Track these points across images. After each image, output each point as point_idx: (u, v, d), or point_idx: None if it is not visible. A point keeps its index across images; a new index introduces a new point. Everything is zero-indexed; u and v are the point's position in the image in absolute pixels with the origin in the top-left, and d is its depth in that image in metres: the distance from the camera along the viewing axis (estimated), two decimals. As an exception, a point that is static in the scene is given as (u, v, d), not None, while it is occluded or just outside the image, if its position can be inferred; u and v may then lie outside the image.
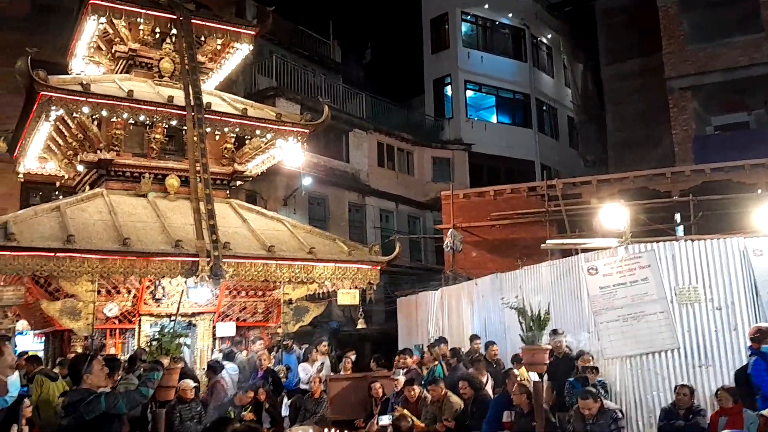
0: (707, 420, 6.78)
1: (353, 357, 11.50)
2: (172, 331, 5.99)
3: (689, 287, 7.97)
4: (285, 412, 10.26)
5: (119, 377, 6.53)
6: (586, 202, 15.56)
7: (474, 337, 10.09)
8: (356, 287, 11.17)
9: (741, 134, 18.54)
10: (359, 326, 12.17)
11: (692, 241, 8.28)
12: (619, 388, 8.26)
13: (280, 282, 10.69)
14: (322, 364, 11.13)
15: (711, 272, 7.90)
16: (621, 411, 7.07)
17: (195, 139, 10.37)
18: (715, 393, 7.04)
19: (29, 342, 12.55)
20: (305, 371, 10.96)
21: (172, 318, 8.82)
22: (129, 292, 10.48)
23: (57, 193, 12.99)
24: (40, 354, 10.77)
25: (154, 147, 10.90)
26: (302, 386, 10.69)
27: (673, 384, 7.41)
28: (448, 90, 26.44)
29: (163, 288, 10.73)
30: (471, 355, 9.64)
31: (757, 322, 7.58)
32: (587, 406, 6.61)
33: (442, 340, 11.24)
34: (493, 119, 27.19)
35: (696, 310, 7.92)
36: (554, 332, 8.09)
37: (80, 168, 11.04)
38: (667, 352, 7.97)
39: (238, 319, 11.70)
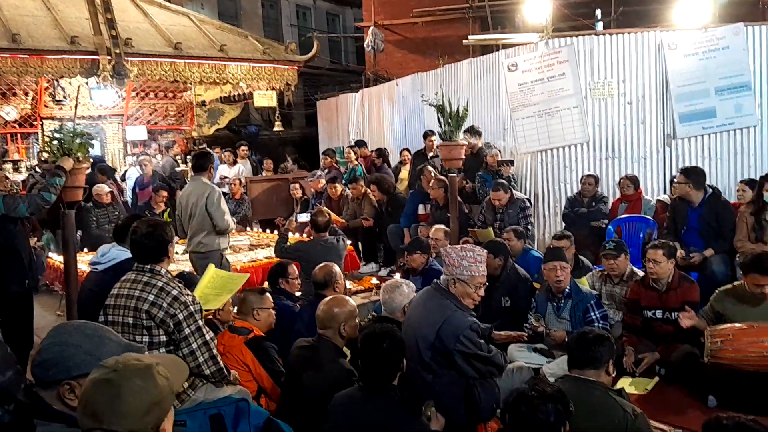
0: (609, 206, 7.24)
1: (270, 165, 11.45)
2: (72, 130, 5.61)
3: (604, 82, 8.06)
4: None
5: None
6: (510, -3, 15.04)
7: (428, 134, 9.53)
8: (273, 88, 10.75)
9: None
10: (276, 129, 11.90)
11: (610, 35, 8.22)
12: (530, 181, 8.63)
13: (191, 83, 10.13)
14: (241, 167, 11.04)
15: (626, 67, 7.96)
16: (529, 201, 7.43)
17: None
18: (618, 182, 7.45)
19: None
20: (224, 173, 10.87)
21: (71, 118, 8.32)
22: (27, 94, 9.74)
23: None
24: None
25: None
26: (223, 190, 10.65)
27: (580, 175, 7.76)
28: None
29: (63, 89, 10.02)
30: (425, 152, 9.49)
31: (665, 116, 7.88)
32: (498, 197, 6.88)
33: (362, 142, 11.29)
34: None
35: (608, 104, 8.09)
36: (471, 129, 8.16)
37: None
38: (577, 145, 8.25)
39: (148, 123, 11.23)
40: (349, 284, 6.29)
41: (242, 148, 11.45)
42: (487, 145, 8.47)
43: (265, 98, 10.85)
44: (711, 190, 5.82)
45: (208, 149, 10.75)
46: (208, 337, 3.22)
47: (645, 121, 8.00)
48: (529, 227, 6.85)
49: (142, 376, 1.61)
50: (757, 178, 5.99)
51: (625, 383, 4.29)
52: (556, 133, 8.39)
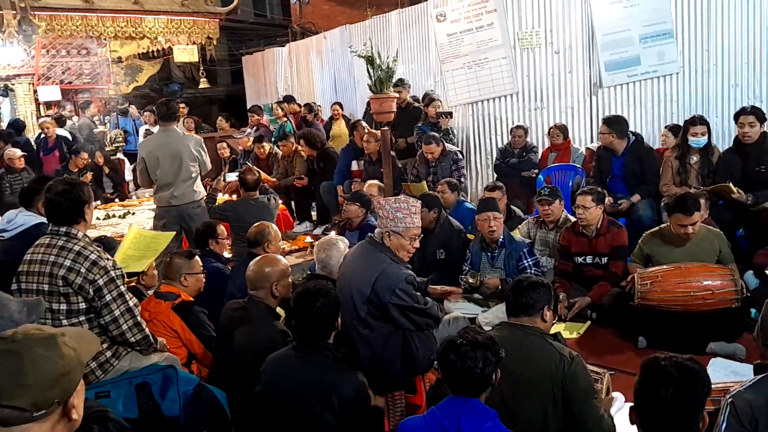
0: (539, 156, 7.31)
1: (192, 124, 10.97)
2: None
3: (531, 32, 8.03)
4: (129, 176, 9.86)
5: None
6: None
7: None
8: (194, 43, 10.26)
9: None
10: (202, 86, 11.41)
11: (538, -16, 8.16)
12: (461, 133, 8.62)
13: (105, 38, 9.53)
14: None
15: (553, 16, 7.94)
16: (461, 153, 7.41)
17: None
18: (547, 131, 7.51)
19: None
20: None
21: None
22: None
23: None
24: None
25: None
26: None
27: (510, 126, 7.78)
28: None
29: (-38, 46, 9.24)
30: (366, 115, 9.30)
31: (591, 64, 7.94)
32: (430, 150, 6.82)
33: (290, 97, 10.99)
34: None
35: (536, 54, 8.09)
36: (400, 81, 8.02)
37: None
38: (507, 96, 8.26)
39: (62, 82, 10.54)
40: (282, 244, 6.15)
41: (182, 106, 10.81)
42: (428, 97, 8.34)
43: (185, 53, 10.36)
44: (634, 137, 5.92)
45: (131, 107, 10.25)
46: (131, 304, 3.03)
47: (572, 70, 8.04)
48: (462, 179, 6.84)
49: (45, 345, 1.46)
50: (681, 124, 6.12)
51: (558, 328, 4.36)
52: (486, 85, 8.36)
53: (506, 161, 7.27)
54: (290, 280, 3.49)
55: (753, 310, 4.33)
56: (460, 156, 7.09)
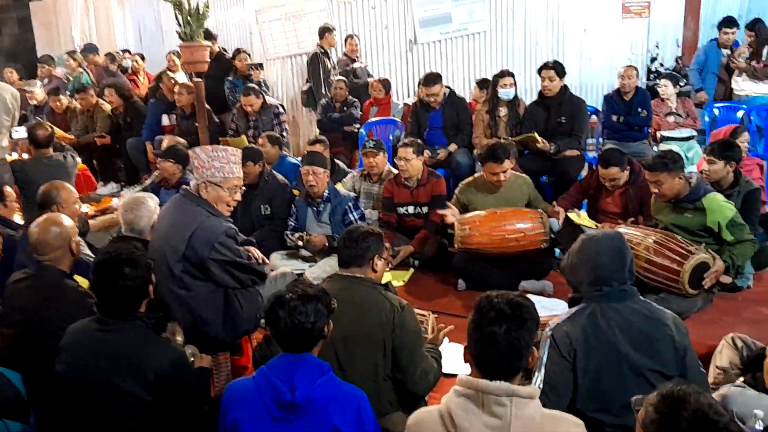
0: (359, 111, 7.28)
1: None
2: None
3: (349, -15, 7.95)
4: None
5: None
6: None
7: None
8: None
9: None
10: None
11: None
12: (281, 88, 8.37)
13: None
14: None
15: (369, -30, 7.92)
16: (283, 106, 7.17)
17: None
18: (370, 84, 7.50)
19: None
20: None
21: None
22: None
23: None
24: None
25: None
26: None
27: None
28: None
29: None
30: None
31: (407, 21, 8.04)
32: (249, 101, 6.47)
33: (91, 47, 9.92)
34: None
35: (353, 8, 8.03)
36: (207, 32, 7.50)
37: None
38: (323, 52, 8.13)
39: None
40: (85, 208, 5.55)
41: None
42: (236, 49, 7.93)
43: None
44: (449, 90, 6.11)
45: None
46: None
47: (389, 26, 8.12)
48: (284, 134, 6.62)
49: None
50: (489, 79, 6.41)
51: (384, 277, 4.41)
52: (305, 38, 8.16)
53: (328, 116, 7.17)
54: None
55: (557, 250, 4.71)
56: (282, 110, 6.85)
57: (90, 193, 6.75)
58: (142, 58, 9.33)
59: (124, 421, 2.32)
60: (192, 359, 2.69)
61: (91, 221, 5.08)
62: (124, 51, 9.96)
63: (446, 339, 3.30)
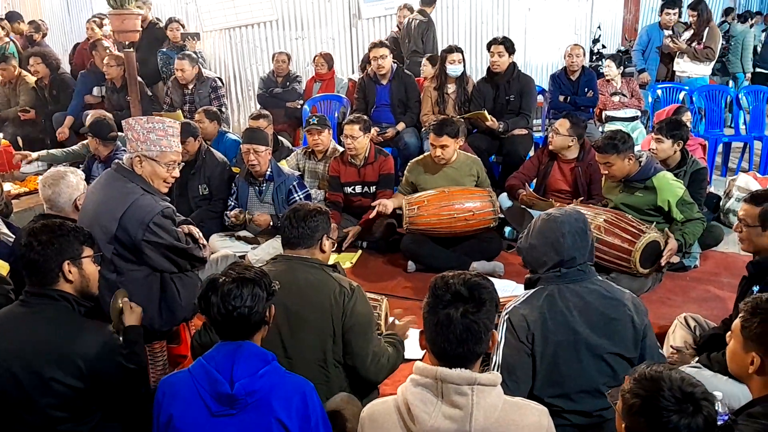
0: (303, 86, 7.03)
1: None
2: None
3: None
4: None
5: None
6: None
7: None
8: None
9: None
10: None
11: None
12: (220, 61, 8.03)
13: None
14: None
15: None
16: (221, 80, 6.84)
17: None
18: (312, 59, 7.26)
19: None
20: None
21: None
22: None
23: None
24: None
25: None
26: None
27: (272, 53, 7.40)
28: None
29: None
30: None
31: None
32: (181, 66, 6.08)
33: (15, 15, 9.25)
34: None
35: (296, -20, 7.75)
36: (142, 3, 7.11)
37: None
38: (267, 23, 7.84)
39: None
40: (8, 186, 5.17)
41: None
42: (168, 18, 7.53)
43: None
44: (396, 65, 5.95)
45: None
46: None
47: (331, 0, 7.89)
48: (223, 109, 6.32)
49: None
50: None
51: (331, 259, 4.25)
52: (244, 9, 7.83)
53: (270, 91, 6.89)
54: None
55: (507, 229, 4.65)
56: (220, 83, 6.53)
57: (13, 171, 6.29)
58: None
59: (50, 413, 2.10)
60: (120, 305, 2.48)
61: (15, 201, 4.71)
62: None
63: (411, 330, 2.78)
